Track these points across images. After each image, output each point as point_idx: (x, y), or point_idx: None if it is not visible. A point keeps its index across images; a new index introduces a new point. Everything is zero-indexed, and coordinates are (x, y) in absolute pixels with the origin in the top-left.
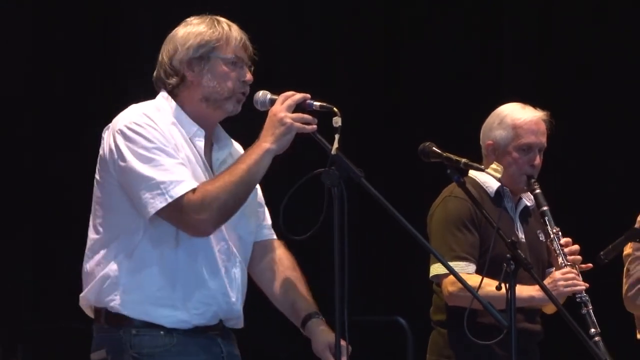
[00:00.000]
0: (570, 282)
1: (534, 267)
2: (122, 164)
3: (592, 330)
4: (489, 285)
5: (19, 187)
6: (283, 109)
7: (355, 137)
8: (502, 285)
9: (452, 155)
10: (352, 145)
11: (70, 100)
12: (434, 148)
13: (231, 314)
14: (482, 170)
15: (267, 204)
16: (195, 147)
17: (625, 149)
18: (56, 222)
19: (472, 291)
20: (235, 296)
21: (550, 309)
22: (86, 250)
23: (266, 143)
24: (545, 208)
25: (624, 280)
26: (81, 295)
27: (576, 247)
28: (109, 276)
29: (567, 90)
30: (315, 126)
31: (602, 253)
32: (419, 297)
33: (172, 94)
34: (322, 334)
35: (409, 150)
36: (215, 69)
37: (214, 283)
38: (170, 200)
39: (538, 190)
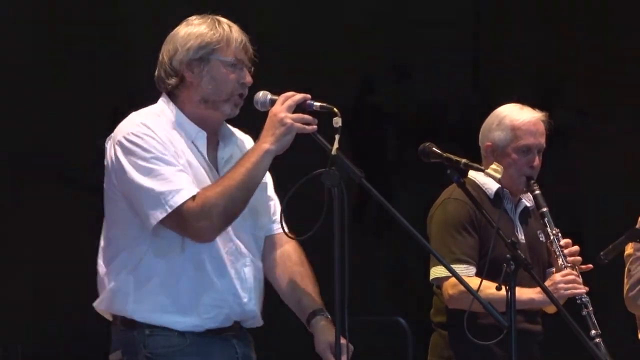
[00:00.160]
0: (570, 285)
1: (534, 268)
2: (122, 176)
3: (593, 331)
4: (489, 288)
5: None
6: (283, 109)
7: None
8: (502, 285)
9: (452, 156)
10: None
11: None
12: (434, 148)
13: (245, 315)
14: (482, 171)
15: None
16: (197, 149)
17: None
18: (56, 221)
19: (472, 291)
20: (248, 296)
21: (551, 308)
22: (98, 256)
23: (266, 144)
24: (544, 209)
25: (625, 280)
26: (94, 304)
27: (576, 248)
28: (119, 288)
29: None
30: (315, 126)
31: (602, 253)
32: (420, 298)
33: (173, 94)
34: (324, 333)
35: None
36: (215, 71)
37: (222, 286)
38: (170, 210)
39: (537, 192)
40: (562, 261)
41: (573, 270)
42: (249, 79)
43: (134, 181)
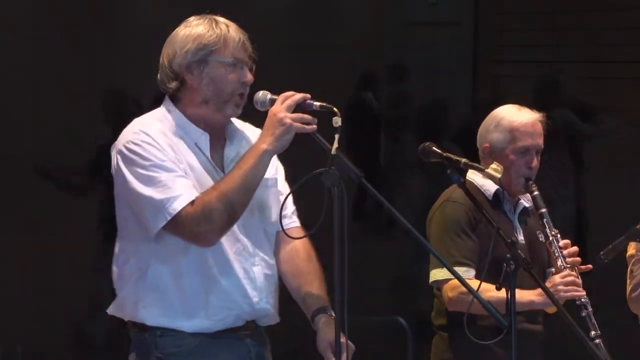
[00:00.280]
0: (570, 287)
1: (534, 268)
2: (124, 185)
3: (593, 332)
4: (489, 290)
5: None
6: (283, 109)
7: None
8: (502, 286)
9: (452, 155)
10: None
11: None
12: (434, 148)
13: (257, 314)
14: (483, 171)
15: None
16: (201, 151)
17: None
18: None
19: (472, 292)
20: (259, 296)
21: (551, 308)
22: (113, 260)
23: (264, 144)
24: (543, 210)
25: (628, 281)
26: (108, 310)
27: (575, 248)
28: (129, 296)
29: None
30: (315, 126)
31: (602, 253)
32: (420, 298)
33: (175, 97)
34: (325, 332)
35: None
36: (214, 72)
37: (230, 287)
38: (169, 217)
39: (536, 192)
40: (562, 262)
41: (572, 271)
42: (249, 77)
43: (135, 190)
